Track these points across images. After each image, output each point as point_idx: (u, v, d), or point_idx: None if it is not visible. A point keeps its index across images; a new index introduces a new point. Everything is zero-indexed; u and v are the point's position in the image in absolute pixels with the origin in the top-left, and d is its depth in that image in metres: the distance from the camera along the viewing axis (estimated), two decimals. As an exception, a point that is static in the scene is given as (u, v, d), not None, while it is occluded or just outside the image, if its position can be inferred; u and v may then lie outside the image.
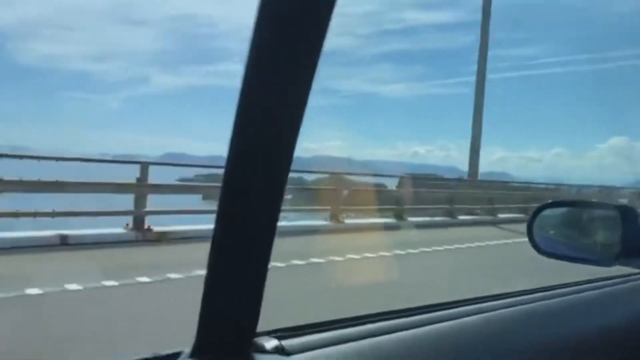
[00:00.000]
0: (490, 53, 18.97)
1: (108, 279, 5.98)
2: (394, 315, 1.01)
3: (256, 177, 0.75)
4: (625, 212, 1.33)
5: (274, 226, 0.78)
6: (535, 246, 1.41)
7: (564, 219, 1.53)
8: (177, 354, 0.79)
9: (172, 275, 6.32)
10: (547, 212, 1.48)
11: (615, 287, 1.43)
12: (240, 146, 0.74)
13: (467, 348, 1.03)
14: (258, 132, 0.74)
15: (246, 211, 0.76)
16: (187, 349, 0.79)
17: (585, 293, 1.35)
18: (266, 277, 0.79)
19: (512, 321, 1.15)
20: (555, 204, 1.57)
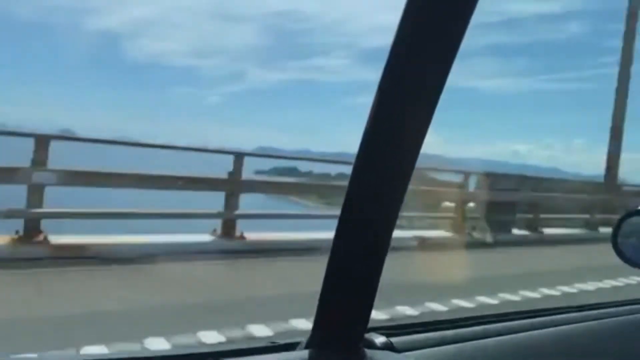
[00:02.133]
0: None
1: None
2: (502, 319, 1.04)
3: (381, 177, 0.78)
4: None
5: (391, 227, 0.81)
6: (622, 256, 1.35)
7: None
8: (295, 344, 0.87)
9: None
10: (635, 219, 1.40)
11: None
12: (370, 147, 0.77)
13: (571, 354, 1.05)
14: (387, 134, 0.77)
15: (367, 211, 0.80)
16: (304, 340, 0.86)
17: None
18: (380, 277, 0.84)
19: (621, 330, 1.16)
20: None
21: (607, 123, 13.86)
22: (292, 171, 10.48)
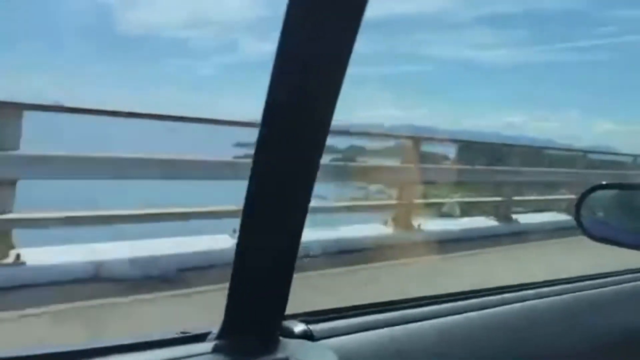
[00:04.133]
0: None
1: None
2: (425, 302, 1.01)
3: (289, 152, 0.74)
4: None
5: (306, 207, 0.77)
6: (584, 230, 1.37)
7: (616, 202, 1.46)
8: (205, 334, 0.81)
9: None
10: (596, 194, 1.41)
11: None
12: (272, 116, 0.71)
13: (500, 337, 1.01)
14: (293, 107, 0.72)
15: (277, 190, 0.75)
16: (215, 329, 0.81)
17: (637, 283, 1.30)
18: (296, 259, 0.79)
19: (561, 309, 1.13)
20: (605, 186, 1.50)
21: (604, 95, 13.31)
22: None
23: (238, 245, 0.78)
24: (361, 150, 8.63)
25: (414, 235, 6.44)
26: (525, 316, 1.06)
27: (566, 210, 8.59)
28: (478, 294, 1.07)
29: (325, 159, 0.79)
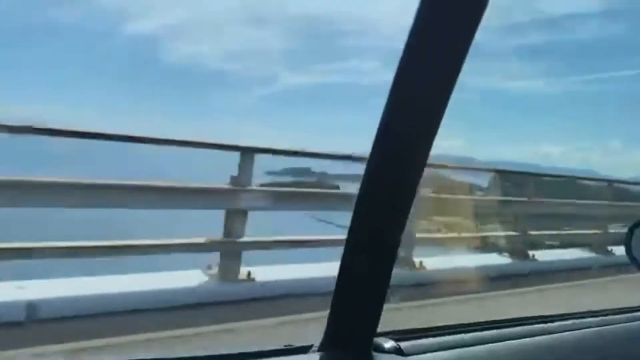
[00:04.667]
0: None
1: None
2: (509, 324, 1.05)
3: (392, 179, 0.80)
4: None
5: (401, 230, 0.83)
6: (634, 260, 1.35)
7: None
8: (309, 347, 0.88)
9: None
10: None
11: None
12: (381, 150, 0.79)
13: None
14: (399, 136, 0.78)
15: (379, 214, 0.81)
16: (316, 343, 0.88)
17: None
18: (389, 282, 0.85)
19: (620, 339, 1.17)
20: None
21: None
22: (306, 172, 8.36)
23: (341, 264, 0.84)
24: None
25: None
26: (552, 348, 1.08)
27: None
28: (564, 317, 1.12)
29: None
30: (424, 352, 0.92)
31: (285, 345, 0.90)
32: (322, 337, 0.89)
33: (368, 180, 0.81)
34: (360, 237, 0.83)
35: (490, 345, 0.98)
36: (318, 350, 0.89)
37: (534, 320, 1.09)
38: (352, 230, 0.83)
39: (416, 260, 5.76)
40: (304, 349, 0.89)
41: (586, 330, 1.12)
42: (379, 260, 0.85)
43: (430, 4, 0.73)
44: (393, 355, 0.91)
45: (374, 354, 0.90)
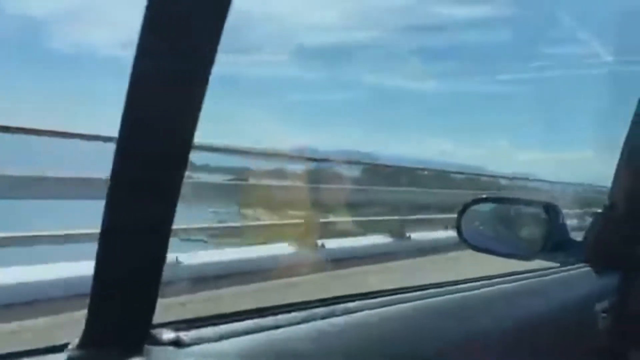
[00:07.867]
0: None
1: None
2: (299, 307, 1.00)
3: (153, 161, 0.72)
4: (549, 208, 1.41)
5: (173, 210, 0.75)
6: (464, 240, 1.47)
7: (494, 214, 1.58)
8: (64, 346, 0.77)
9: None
10: (477, 207, 1.53)
11: (535, 279, 1.47)
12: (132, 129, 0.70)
13: (377, 340, 1.02)
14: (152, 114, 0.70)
15: (144, 195, 0.73)
16: (75, 340, 0.77)
17: (506, 285, 1.38)
18: (164, 264, 0.77)
19: (432, 313, 1.16)
20: (484, 200, 1.62)
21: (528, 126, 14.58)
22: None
23: (98, 252, 0.74)
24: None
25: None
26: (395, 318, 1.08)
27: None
28: (353, 298, 1.08)
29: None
30: (207, 342, 0.84)
31: (36, 347, 0.77)
32: (82, 334, 0.77)
33: (122, 162, 0.71)
34: (119, 227, 0.73)
35: (287, 328, 0.91)
36: (77, 348, 0.76)
37: (337, 300, 1.05)
38: (107, 220, 0.72)
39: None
40: (57, 349, 0.77)
41: (389, 307, 1.09)
42: (151, 244, 0.75)
43: None
44: (169, 347, 0.82)
45: (147, 347, 0.80)
